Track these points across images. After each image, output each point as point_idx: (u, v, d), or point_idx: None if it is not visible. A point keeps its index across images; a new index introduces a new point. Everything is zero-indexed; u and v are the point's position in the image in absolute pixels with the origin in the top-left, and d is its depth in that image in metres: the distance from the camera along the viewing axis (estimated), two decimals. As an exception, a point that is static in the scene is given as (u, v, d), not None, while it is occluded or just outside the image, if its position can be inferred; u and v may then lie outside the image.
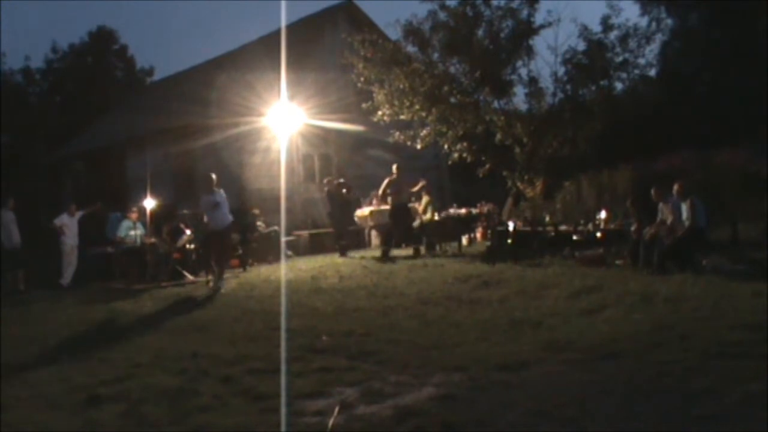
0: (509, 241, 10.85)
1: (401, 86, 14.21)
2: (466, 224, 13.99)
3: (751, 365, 4.75)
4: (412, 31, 14.45)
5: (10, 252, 12.18)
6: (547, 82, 14.58)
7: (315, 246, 15.25)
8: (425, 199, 13.94)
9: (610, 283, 8.27)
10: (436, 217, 13.80)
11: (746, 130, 17.86)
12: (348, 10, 18.16)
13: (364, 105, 14.85)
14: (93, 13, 62.99)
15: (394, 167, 13.27)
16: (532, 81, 14.61)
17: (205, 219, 11.12)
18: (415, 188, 13.97)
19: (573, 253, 10.44)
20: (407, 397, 4.73)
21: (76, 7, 59.41)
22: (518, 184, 14.57)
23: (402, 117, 14.54)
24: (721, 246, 9.70)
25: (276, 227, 13.92)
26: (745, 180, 11.82)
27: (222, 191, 10.88)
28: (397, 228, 13.02)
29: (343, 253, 13.39)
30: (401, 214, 13.00)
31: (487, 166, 14.74)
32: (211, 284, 10.81)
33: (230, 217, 11.01)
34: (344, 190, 14.03)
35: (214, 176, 10.96)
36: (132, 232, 12.51)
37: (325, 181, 14.99)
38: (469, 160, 14.84)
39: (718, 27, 23.60)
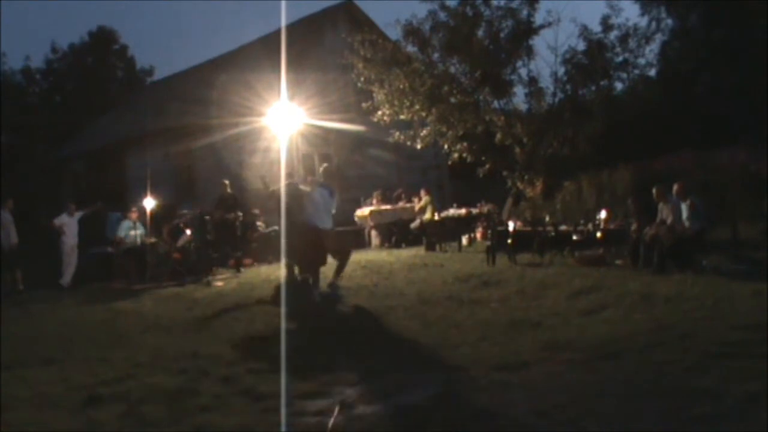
0: (509, 241, 10.83)
1: (401, 86, 14.23)
2: (466, 224, 13.99)
3: (751, 365, 4.74)
4: (412, 31, 14.48)
5: (8, 252, 12.17)
6: (547, 82, 14.66)
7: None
8: (425, 198, 13.94)
9: (610, 283, 8.26)
10: (436, 217, 13.81)
11: (746, 130, 17.86)
12: (348, 10, 18.15)
13: (364, 105, 14.86)
14: (93, 13, 62.79)
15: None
16: (532, 81, 14.67)
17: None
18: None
19: (573, 253, 10.43)
20: (407, 397, 4.73)
21: (76, 7, 59.27)
22: (518, 184, 14.58)
23: (402, 117, 14.56)
24: (721, 246, 9.68)
25: (276, 227, 13.90)
26: (745, 180, 11.83)
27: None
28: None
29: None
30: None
31: (487, 166, 14.76)
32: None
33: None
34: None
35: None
36: (132, 232, 12.49)
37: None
38: (469, 160, 14.86)
39: (718, 27, 23.58)
